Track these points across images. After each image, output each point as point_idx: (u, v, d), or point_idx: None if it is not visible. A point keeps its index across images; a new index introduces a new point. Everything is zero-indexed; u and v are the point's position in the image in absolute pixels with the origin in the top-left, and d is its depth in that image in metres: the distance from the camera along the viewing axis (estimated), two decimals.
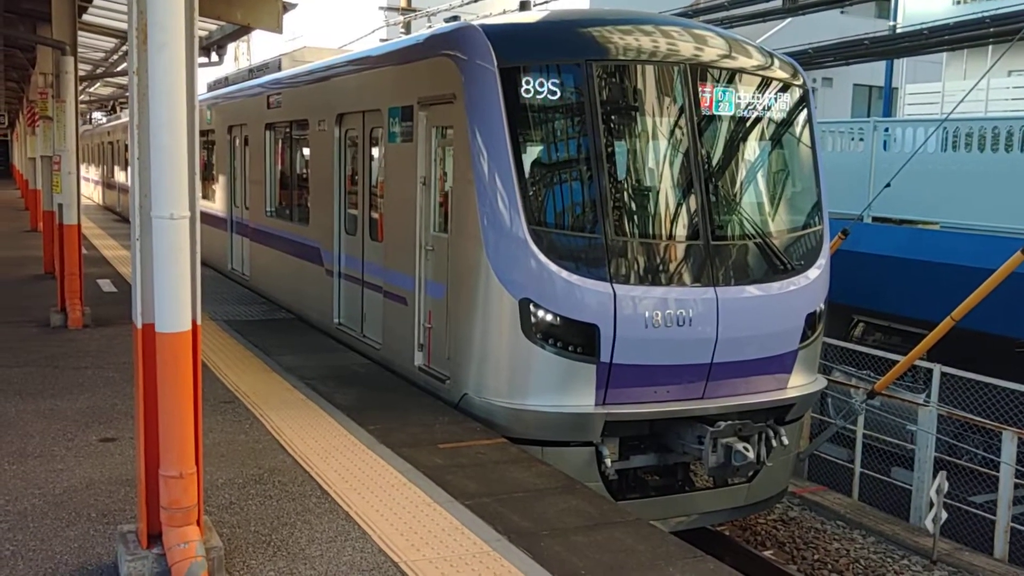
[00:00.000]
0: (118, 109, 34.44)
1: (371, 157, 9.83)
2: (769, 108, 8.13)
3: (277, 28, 11.53)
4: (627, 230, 7.52)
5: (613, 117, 7.62)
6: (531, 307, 7.19)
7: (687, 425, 7.50)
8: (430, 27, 18.00)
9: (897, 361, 9.88)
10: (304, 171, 12.28)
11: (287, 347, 10.17)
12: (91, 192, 39.61)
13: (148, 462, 4.66)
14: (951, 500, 9.19)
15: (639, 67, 7.68)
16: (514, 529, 5.46)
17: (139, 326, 4.59)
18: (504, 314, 7.30)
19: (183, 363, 4.50)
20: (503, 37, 7.59)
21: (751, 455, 7.30)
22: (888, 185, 10.79)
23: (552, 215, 7.48)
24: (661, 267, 7.50)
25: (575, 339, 7.20)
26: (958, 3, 22.37)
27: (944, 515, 8.85)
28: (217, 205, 16.53)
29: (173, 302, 4.42)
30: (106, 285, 14.66)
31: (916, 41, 17.49)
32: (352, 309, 10.38)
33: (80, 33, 13.33)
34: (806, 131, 8.41)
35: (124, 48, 18.28)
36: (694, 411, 7.47)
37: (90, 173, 39.96)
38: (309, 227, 11.60)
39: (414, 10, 28.34)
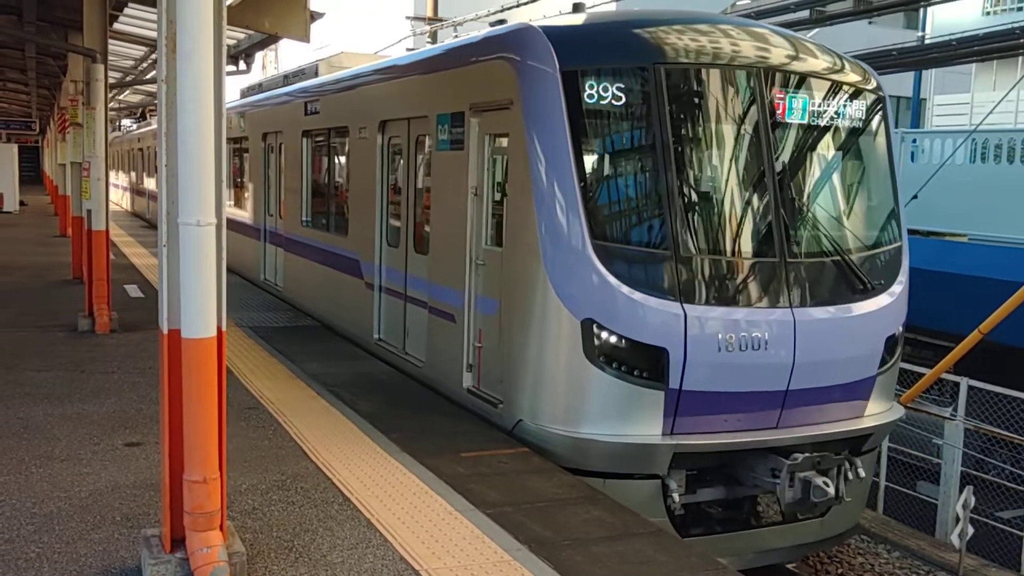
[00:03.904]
0: (148, 116, 34.78)
1: (416, 166, 9.40)
2: (845, 115, 7.66)
3: (305, 37, 11.59)
4: (698, 246, 6.98)
5: (681, 125, 7.14)
6: (594, 327, 6.71)
7: (759, 456, 6.99)
8: (456, 36, 17.99)
9: (923, 374, 9.78)
10: (343, 180, 11.88)
11: (311, 354, 10.21)
12: (121, 198, 40.01)
13: (172, 467, 4.69)
14: (977, 515, 9.08)
15: (709, 71, 7.20)
16: (535, 539, 5.45)
17: (165, 331, 4.63)
18: (564, 334, 6.83)
19: (208, 369, 4.53)
20: (564, 39, 7.12)
21: (831, 491, 6.76)
22: (915, 197, 10.72)
23: (617, 229, 6.97)
24: (734, 286, 7.00)
25: (641, 363, 6.72)
26: (988, 14, 22.21)
27: (970, 530, 8.75)
28: (249, 214, 16.19)
29: (199, 308, 4.45)
30: (133, 290, 14.79)
31: (945, 52, 17.36)
32: (393, 324, 9.95)
33: (111, 41, 13.47)
34: (883, 140, 7.94)
35: (153, 56, 18.45)
36: (768, 442, 6.95)
37: (119, 179, 40.34)
38: (348, 238, 11.18)
39: (440, 20, 28.47)
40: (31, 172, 59.80)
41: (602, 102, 6.87)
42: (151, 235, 24.01)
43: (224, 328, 4.66)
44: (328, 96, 12.18)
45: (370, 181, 10.34)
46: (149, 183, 29.59)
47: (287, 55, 42.05)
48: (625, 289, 6.69)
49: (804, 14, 15.51)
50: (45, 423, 7.48)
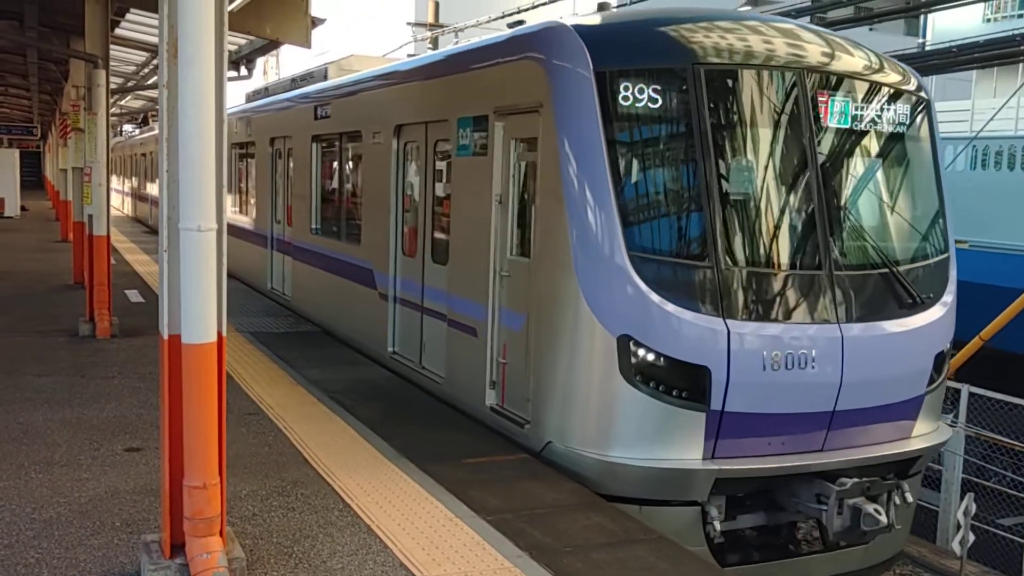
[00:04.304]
0: (150, 120, 34.82)
1: (434, 172, 9.00)
2: (891, 118, 7.26)
3: (306, 43, 11.61)
4: (741, 258, 6.60)
5: (722, 129, 6.78)
6: (630, 344, 6.33)
7: (803, 481, 6.61)
8: (457, 43, 17.97)
9: None
10: (355, 186, 11.51)
11: (312, 360, 10.20)
12: (122, 204, 40.03)
13: (172, 472, 4.69)
14: (978, 522, 9.07)
15: (751, 73, 6.81)
16: (536, 545, 5.43)
17: (165, 337, 4.63)
18: (598, 352, 6.44)
19: (208, 374, 4.52)
20: (598, 38, 6.75)
21: (883, 519, 6.37)
22: None
23: (655, 239, 6.56)
24: (779, 300, 6.62)
25: (681, 383, 6.34)
26: (988, 21, 22.24)
27: (971, 538, 8.74)
28: (256, 221, 15.79)
29: (199, 314, 4.45)
30: (134, 295, 14.79)
31: (946, 59, 17.37)
32: (409, 337, 9.53)
33: (112, 47, 13.50)
34: (928, 144, 7.56)
35: (155, 62, 18.49)
36: (814, 466, 6.57)
37: (121, 185, 40.37)
38: (360, 247, 10.78)
39: (442, 26, 28.52)
40: (32, 177, 59.91)
41: (637, 105, 6.51)
42: (153, 240, 24.02)
43: (224, 333, 4.66)
44: (340, 100, 11.82)
45: (384, 188, 9.95)
46: (151, 188, 29.59)
47: (288, 61, 42.12)
48: (664, 303, 6.31)
49: (804, 21, 15.52)
50: (45, 428, 7.47)
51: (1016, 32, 15.83)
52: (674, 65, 6.63)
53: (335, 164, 12.31)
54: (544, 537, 5.57)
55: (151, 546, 4.86)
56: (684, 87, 6.57)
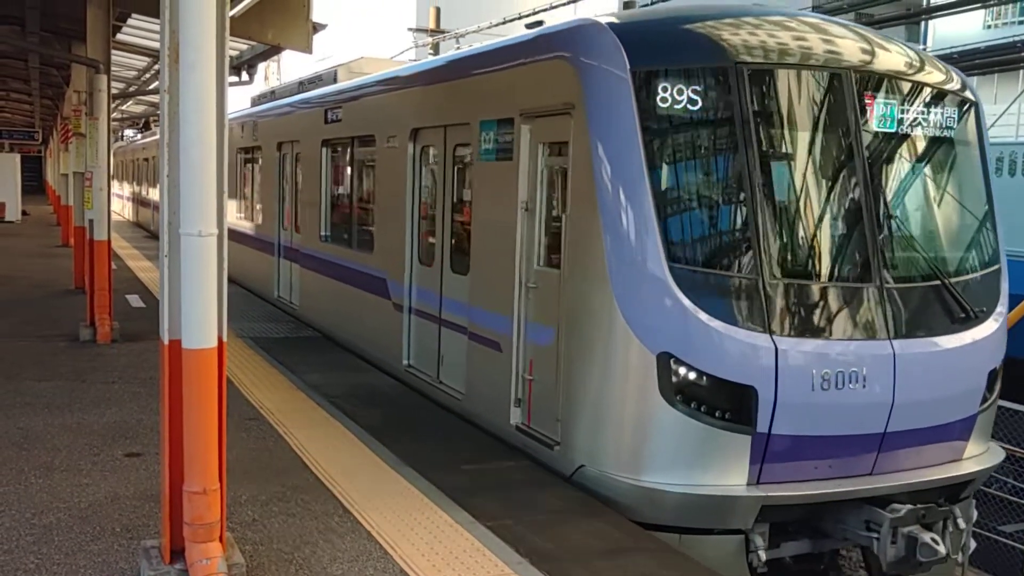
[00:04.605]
0: (152, 126, 34.87)
1: (454, 177, 8.62)
2: (941, 123, 6.90)
3: (307, 48, 11.64)
4: (788, 270, 6.23)
5: (767, 133, 6.40)
6: (671, 362, 5.96)
7: (851, 506, 6.23)
8: (458, 48, 17.95)
9: None
10: (368, 192, 11.09)
11: (312, 365, 10.19)
12: (123, 208, 40.05)
13: (172, 477, 4.68)
14: (980, 529, 9.04)
15: (796, 73, 6.44)
16: (536, 552, 5.42)
17: (166, 342, 4.62)
18: (636, 370, 6.07)
19: (208, 379, 4.52)
20: (634, 35, 6.38)
21: (941, 549, 5.98)
22: None
23: (696, 250, 6.21)
24: (828, 315, 6.24)
25: (725, 403, 5.98)
26: (989, 27, 22.25)
27: (973, 544, 8.71)
28: (263, 227, 15.39)
29: (200, 319, 4.44)
30: (135, 300, 14.79)
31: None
32: (426, 350, 9.14)
33: (114, 52, 13.53)
34: (978, 151, 7.18)
35: (156, 67, 18.51)
36: (864, 491, 6.20)
37: (123, 190, 40.39)
38: (373, 255, 10.37)
39: (443, 31, 28.56)
40: (33, 182, 59.98)
41: (676, 107, 6.14)
42: (154, 246, 24.03)
43: (225, 339, 4.65)
44: (352, 103, 11.42)
45: (399, 194, 9.56)
46: (153, 193, 29.58)
47: (289, 66, 42.20)
48: (707, 318, 5.93)
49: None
50: (45, 433, 7.46)
51: (1016, 38, 15.84)
52: (715, 64, 6.25)
53: (346, 169, 11.96)
54: (545, 543, 5.55)
55: (151, 551, 4.86)
56: (727, 88, 6.21)
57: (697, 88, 6.17)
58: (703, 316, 5.94)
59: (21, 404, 8.32)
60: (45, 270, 18.64)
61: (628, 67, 6.17)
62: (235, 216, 17.19)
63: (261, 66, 18.19)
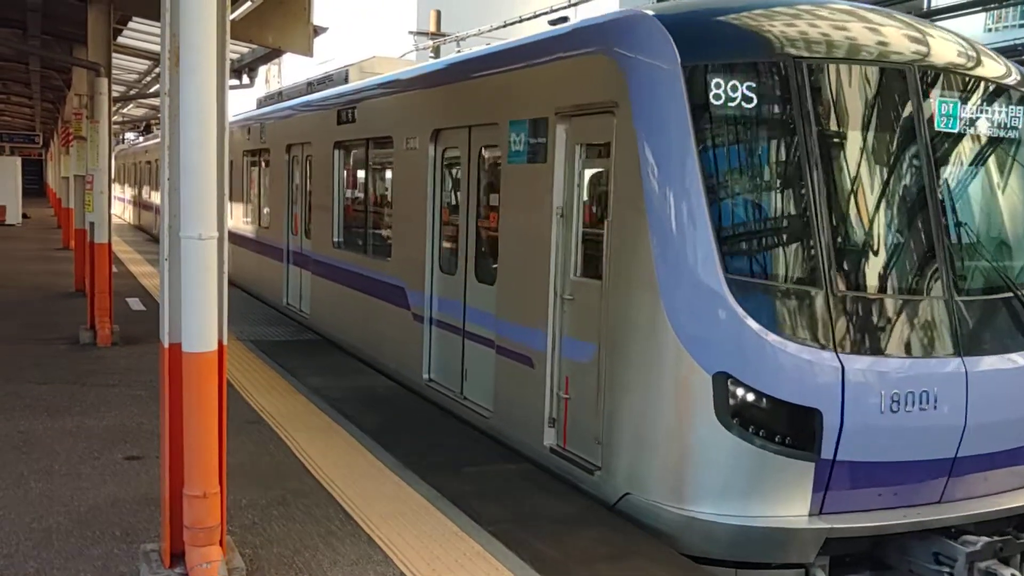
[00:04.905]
0: (153, 128, 34.91)
1: (479, 181, 8.20)
2: (1008, 124, 6.46)
3: (308, 51, 11.65)
4: (854, 281, 5.78)
5: (828, 133, 5.94)
6: (728, 383, 5.50)
7: (918, 537, 5.77)
8: (459, 51, 17.88)
9: None
10: (385, 196, 10.67)
11: (313, 368, 10.18)
12: (126, 212, 40.06)
13: (172, 481, 4.66)
14: None
15: (858, 69, 5.99)
16: (539, 557, 5.39)
17: (166, 345, 4.61)
18: (689, 391, 5.62)
19: (209, 383, 4.50)
20: (685, 28, 5.94)
21: None
22: None
23: (756, 259, 5.78)
24: (897, 330, 5.78)
25: (787, 427, 5.51)
26: (990, 30, 22.25)
27: None
28: (271, 233, 14.91)
29: (200, 322, 4.43)
30: (135, 303, 14.78)
31: None
32: (448, 364, 8.72)
33: (114, 55, 13.54)
34: None
35: (157, 70, 18.53)
36: (937, 522, 5.72)
37: (125, 193, 40.38)
38: (390, 262, 9.90)
39: (444, 35, 28.59)
40: (34, 185, 60.03)
41: (730, 104, 5.72)
42: (155, 249, 24.03)
43: (225, 342, 4.64)
44: (366, 103, 10.90)
45: (419, 198, 9.08)
46: (155, 196, 29.54)
47: (289, 69, 42.23)
48: (768, 335, 5.48)
49: None
50: (45, 436, 7.45)
51: (1017, 42, 15.83)
52: (772, 59, 5.81)
53: (361, 172, 11.51)
54: (547, 549, 5.53)
55: (151, 555, 4.84)
56: (785, 84, 5.79)
57: (752, 84, 5.74)
58: (763, 332, 5.48)
59: (21, 407, 8.31)
60: (45, 273, 18.64)
61: (679, 61, 5.74)
62: (242, 221, 16.94)
63: (262, 69, 18.20)
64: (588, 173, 6.69)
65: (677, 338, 5.63)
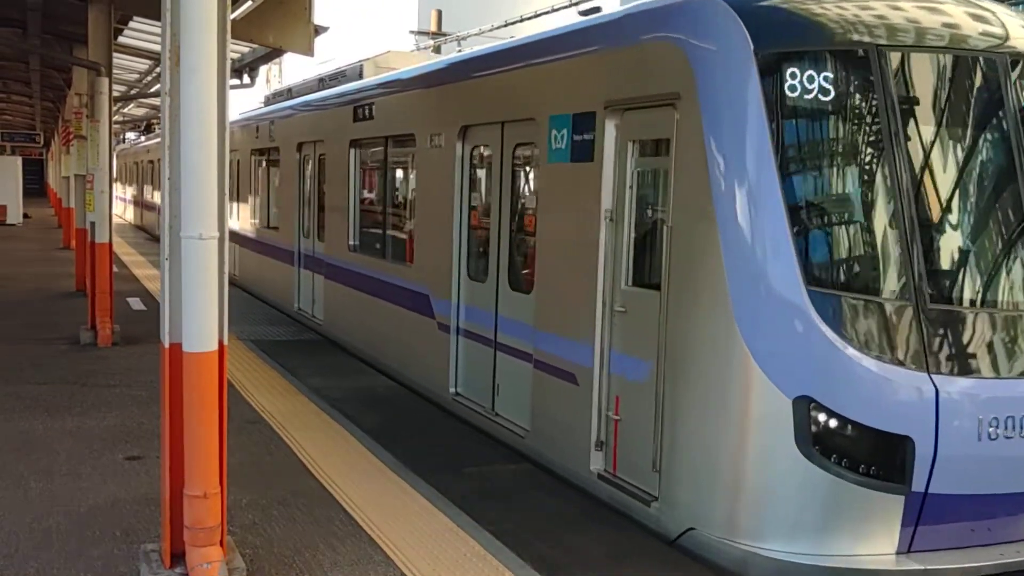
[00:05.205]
0: (154, 128, 34.93)
1: (513, 181, 7.69)
2: None
3: (308, 51, 11.63)
4: (949, 293, 5.24)
5: (916, 129, 5.40)
6: (810, 408, 4.99)
7: None
8: (459, 51, 17.80)
9: None
10: (406, 198, 10.18)
11: (314, 368, 10.17)
12: (127, 211, 40.06)
13: (173, 481, 4.66)
14: None
15: (945, 58, 5.46)
16: (539, 557, 5.39)
17: (166, 345, 4.60)
18: (765, 416, 5.10)
19: (209, 383, 4.50)
20: (758, 13, 5.42)
21: None
22: None
23: (840, 270, 5.26)
24: (994, 348, 5.23)
25: (874, 457, 5.02)
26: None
27: None
28: (281, 235, 14.38)
29: (200, 322, 4.43)
30: (136, 303, 14.77)
31: None
32: (477, 377, 8.19)
33: (115, 55, 13.54)
34: None
35: (158, 70, 18.53)
36: None
37: (126, 193, 40.36)
38: (413, 268, 9.40)
39: (444, 34, 28.59)
40: (35, 185, 60.01)
41: (807, 96, 5.22)
42: (156, 249, 24.03)
43: (226, 342, 4.63)
44: (385, 98, 10.33)
45: (445, 200, 8.55)
46: (158, 196, 29.46)
47: (290, 69, 42.26)
48: (854, 354, 4.98)
49: None
50: (45, 436, 7.44)
51: None
52: (854, 47, 5.30)
53: (379, 172, 10.90)
54: (548, 549, 5.52)
55: (151, 555, 4.84)
56: (868, 75, 5.28)
57: (831, 73, 5.26)
58: (849, 351, 4.97)
59: (21, 407, 8.30)
60: (46, 273, 18.63)
61: (752, 48, 5.22)
62: (250, 222, 16.62)
63: (262, 69, 18.18)
64: (642, 173, 6.19)
65: (752, 357, 5.09)
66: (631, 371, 6.06)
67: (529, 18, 21.44)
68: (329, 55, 32.96)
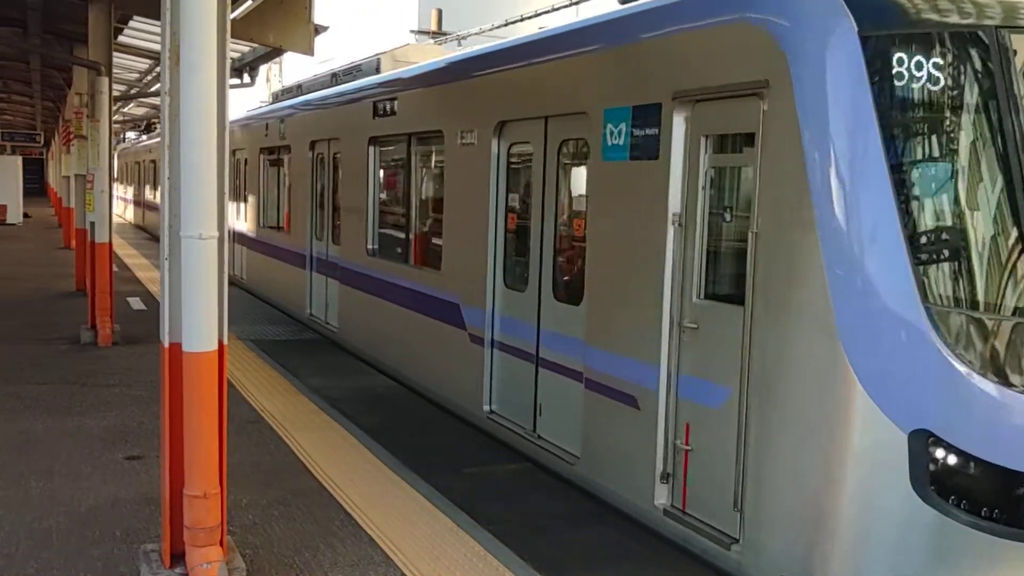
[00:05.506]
0: (155, 127, 34.92)
1: (558, 181, 7.12)
2: None
3: (308, 51, 11.63)
4: None
5: None
6: (928, 443, 4.38)
7: None
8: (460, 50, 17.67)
9: None
10: (433, 199, 9.62)
11: (314, 368, 10.17)
12: (128, 211, 40.05)
13: (173, 481, 4.66)
14: None
15: None
16: (540, 557, 5.39)
17: (166, 345, 4.60)
18: (876, 453, 4.49)
19: (209, 383, 4.49)
20: None
21: None
22: None
23: (962, 283, 4.58)
24: None
25: (1004, 500, 4.39)
26: None
27: None
28: (292, 237, 13.81)
29: (200, 322, 4.42)
30: (136, 303, 14.77)
31: None
32: (516, 395, 7.58)
33: (115, 54, 13.53)
34: None
35: (157, 69, 18.52)
36: None
37: (128, 193, 40.32)
38: (441, 275, 8.79)
39: (445, 33, 28.58)
40: (35, 184, 60.00)
41: (918, 84, 4.61)
42: (155, 248, 24.03)
43: (225, 342, 4.63)
44: (410, 93, 9.74)
45: (477, 201, 7.97)
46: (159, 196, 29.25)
47: (290, 68, 42.24)
48: (980, 381, 4.33)
49: None
50: (45, 436, 7.44)
51: None
52: (971, 29, 4.70)
53: (402, 171, 10.21)
54: (549, 549, 5.52)
55: (151, 555, 4.83)
56: (988, 60, 4.68)
57: (938, 61, 4.65)
58: (973, 377, 4.33)
59: (21, 407, 8.30)
60: (46, 272, 18.62)
61: (856, 31, 4.63)
62: (258, 224, 16.20)
63: (262, 68, 18.16)
64: (717, 171, 5.62)
65: (860, 384, 4.47)
66: (704, 395, 5.46)
67: (529, 17, 21.42)
68: (329, 54, 32.97)
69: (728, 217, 5.54)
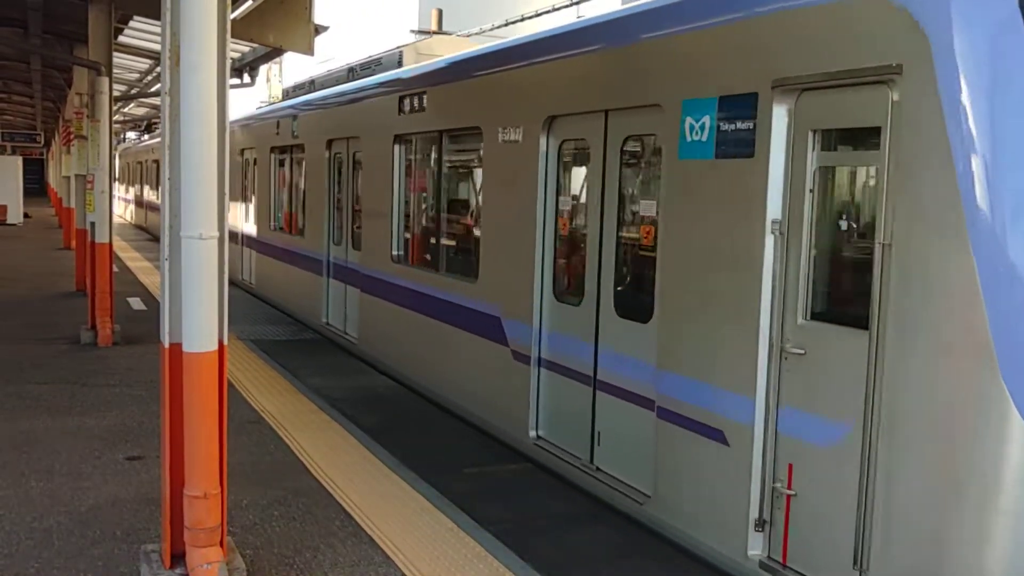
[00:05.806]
0: (155, 127, 34.92)
1: (621, 182, 6.42)
2: None
3: (308, 51, 11.63)
4: None
5: None
6: None
7: None
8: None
9: None
10: (468, 201, 9.07)
11: (314, 368, 10.17)
12: (128, 211, 40.05)
13: (173, 481, 4.66)
14: None
15: None
16: (540, 557, 5.39)
17: (166, 345, 4.60)
18: None
19: (209, 383, 4.49)
20: None
21: None
22: None
23: None
24: None
25: None
26: None
27: None
28: (307, 241, 13.13)
29: (200, 322, 4.42)
30: (136, 303, 14.77)
31: None
32: (567, 420, 6.91)
33: (115, 54, 13.53)
34: None
35: (158, 69, 18.52)
36: None
37: (129, 193, 40.31)
38: (479, 285, 8.06)
39: (445, 33, 28.57)
40: (35, 184, 60.05)
41: None
42: (155, 249, 24.02)
43: (226, 342, 4.63)
44: (441, 87, 8.99)
45: (522, 204, 7.32)
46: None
47: (290, 68, 42.25)
48: None
49: None
50: (46, 436, 7.44)
51: None
52: None
53: (432, 171, 9.52)
54: (550, 550, 5.52)
55: (151, 556, 4.83)
56: None
57: None
58: None
59: (22, 407, 8.30)
60: (46, 273, 18.63)
61: (1018, 5, 3.99)
62: (270, 227, 15.55)
63: (262, 68, 18.15)
64: (828, 171, 4.93)
65: None
66: (812, 432, 4.76)
67: (530, 17, 21.43)
68: (329, 54, 32.98)
69: (844, 225, 4.88)
